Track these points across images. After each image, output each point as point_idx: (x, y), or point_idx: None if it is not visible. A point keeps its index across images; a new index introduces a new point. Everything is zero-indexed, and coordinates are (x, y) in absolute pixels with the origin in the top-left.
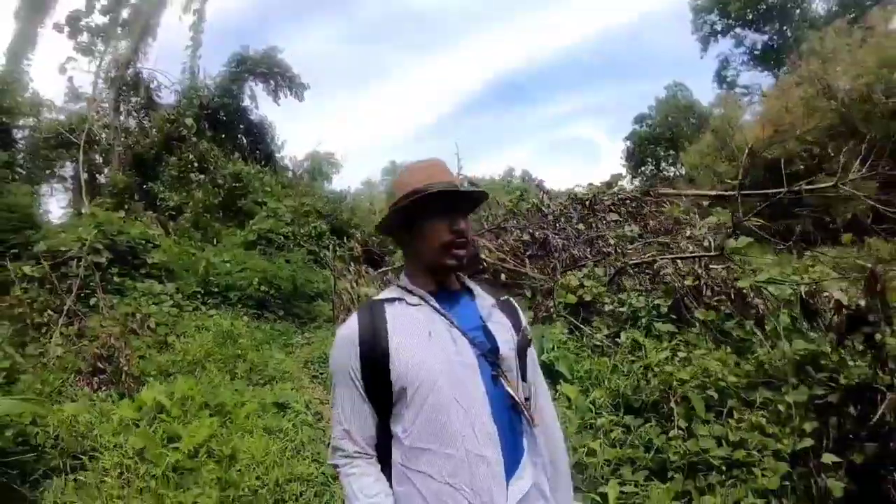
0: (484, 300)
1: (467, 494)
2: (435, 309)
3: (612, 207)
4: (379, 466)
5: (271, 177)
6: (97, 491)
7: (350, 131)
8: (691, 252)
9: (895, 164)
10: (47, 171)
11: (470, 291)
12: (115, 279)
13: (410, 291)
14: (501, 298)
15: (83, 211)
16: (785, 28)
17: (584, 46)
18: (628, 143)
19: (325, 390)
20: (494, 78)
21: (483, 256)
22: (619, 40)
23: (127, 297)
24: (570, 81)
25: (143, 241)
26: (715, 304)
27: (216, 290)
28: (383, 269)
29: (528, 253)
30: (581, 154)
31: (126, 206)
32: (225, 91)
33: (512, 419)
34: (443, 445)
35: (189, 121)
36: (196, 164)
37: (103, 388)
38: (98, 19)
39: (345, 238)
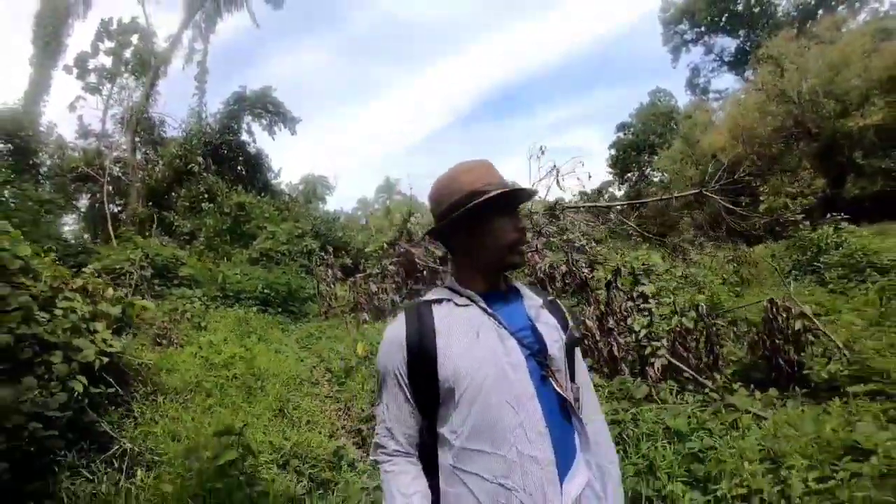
0: (532, 300)
1: (521, 495)
2: (483, 309)
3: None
4: (419, 466)
5: (269, 204)
6: (183, 407)
7: (343, 149)
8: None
9: (846, 160)
10: (69, 203)
11: (517, 292)
12: (157, 287)
13: (458, 292)
14: (548, 299)
15: (112, 238)
16: (752, 33)
17: (576, 55)
18: (612, 150)
19: (302, 349)
20: (485, 90)
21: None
22: (610, 48)
23: (167, 300)
24: (561, 91)
25: (174, 260)
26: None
27: (231, 293)
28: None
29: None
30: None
31: (147, 234)
32: (225, 128)
33: (563, 419)
34: (494, 446)
35: (199, 159)
36: (206, 196)
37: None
38: (103, 59)
39: (333, 252)
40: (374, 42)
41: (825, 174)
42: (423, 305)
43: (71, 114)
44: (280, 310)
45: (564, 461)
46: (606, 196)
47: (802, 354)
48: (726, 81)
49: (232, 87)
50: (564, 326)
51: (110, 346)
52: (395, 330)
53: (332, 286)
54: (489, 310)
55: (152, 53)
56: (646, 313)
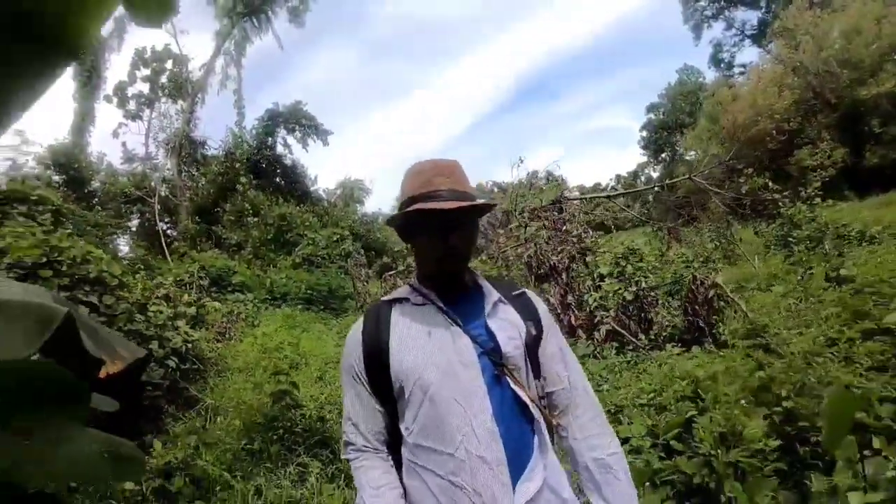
0: (490, 297)
1: (470, 493)
2: (439, 308)
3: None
4: (390, 461)
5: (309, 212)
6: (244, 379)
7: (379, 149)
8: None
9: (865, 129)
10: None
11: (479, 288)
12: (213, 294)
13: (417, 291)
14: (515, 292)
15: (166, 253)
16: (772, 3)
17: (602, 37)
18: (643, 132)
19: (341, 337)
20: (514, 81)
21: None
22: (638, 26)
23: (224, 304)
24: (590, 74)
25: (226, 269)
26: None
27: (278, 295)
28: (391, 272)
29: None
30: (613, 142)
31: (199, 248)
32: (262, 143)
33: (521, 419)
34: (442, 444)
35: (243, 179)
36: (250, 210)
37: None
38: (141, 86)
39: (373, 252)
40: (398, 41)
41: (845, 144)
42: (382, 305)
43: (114, 140)
44: (322, 307)
45: (519, 461)
46: (643, 178)
47: (715, 318)
48: (751, 55)
49: (262, 98)
50: (534, 320)
51: (190, 336)
52: (354, 330)
53: (367, 284)
54: (444, 308)
55: (188, 80)
56: (599, 290)
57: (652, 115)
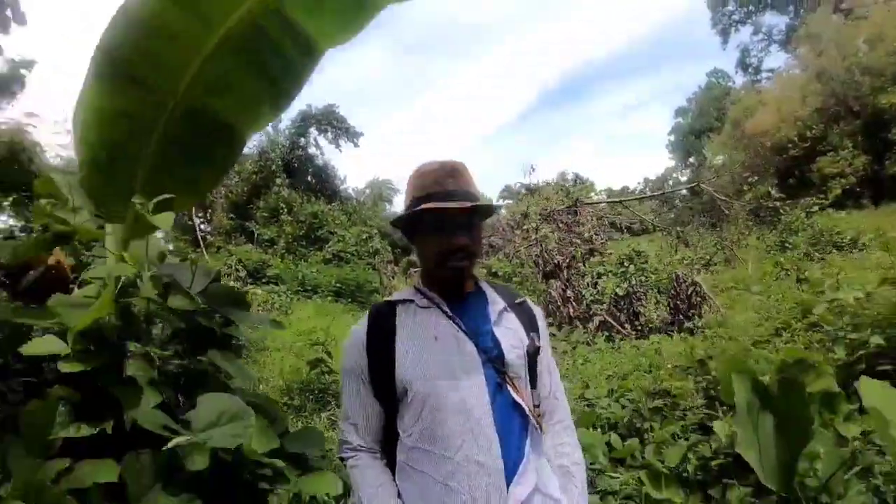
0: (496, 304)
1: (465, 498)
2: (444, 312)
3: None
4: (384, 461)
5: (340, 211)
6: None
7: (408, 148)
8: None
9: (886, 138)
10: None
11: (483, 294)
12: (250, 285)
13: (422, 293)
14: (517, 301)
15: (202, 247)
16: (800, 7)
17: (637, 40)
18: (671, 136)
19: None
20: (547, 81)
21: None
22: (670, 30)
23: (259, 294)
24: (624, 76)
25: (261, 263)
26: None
27: (309, 287)
28: (416, 269)
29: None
30: (645, 144)
31: (233, 242)
32: (294, 144)
33: (518, 426)
34: (442, 448)
35: (278, 179)
36: (284, 208)
37: None
38: None
39: (400, 250)
40: (430, 41)
41: (867, 152)
42: (386, 306)
43: None
44: (350, 300)
45: (514, 466)
46: (671, 182)
47: (692, 311)
48: (778, 59)
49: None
50: (533, 330)
51: None
52: (357, 329)
53: (392, 280)
54: (449, 313)
55: None
56: (596, 286)
57: (680, 119)
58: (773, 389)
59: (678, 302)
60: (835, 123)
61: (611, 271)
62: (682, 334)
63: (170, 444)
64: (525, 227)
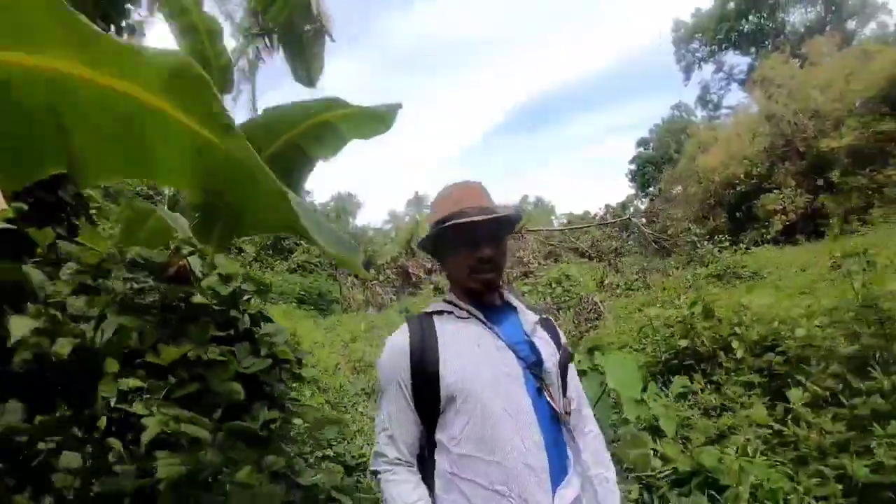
0: (527, 316)
1: (516, 502)
2: (482, 322)
3: None
4: (419, 476)
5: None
6: None
7: (376, 164)
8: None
9: (826, 179)
10: None
11: (512, 307)
12: None
13: (458, 306)
14: (542, 317)
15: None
16: (761, 49)
17: (611, 68)
18: (631, 165)
19: (327, 330)
20: (518, 104)
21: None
22: (643, 59)
23: None
24: (595, 102)
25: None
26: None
27: (276, 294)
28: (374, 281)
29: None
30: (610, 171)
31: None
32: None
33: (555, 431)
34: (491, 454)
35: None
36: None
37: None
38: None
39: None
40: (406, 57)
41: (809, 191)
42: (424, 317)
43: None
44: (312, 307)
45: (557, 471)
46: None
47: (589, 325)
48: (738, 97)
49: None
50: (557, 344)
51: None
52: (399, 339)
53: (352, 290)
54: (487, 323)
55: None
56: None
57: (642, 149)
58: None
59: (581, 318)
60: (781, 163)
61: (539, 290)
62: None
63: None
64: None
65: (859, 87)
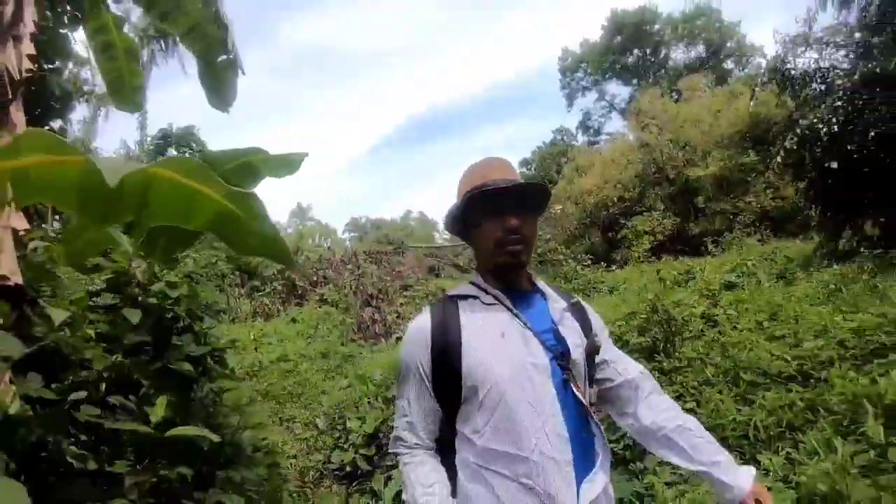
0: (556, 302)
1: (541, 495)
2: (509, 309)
3: (370, 257)
4: (438, 459)
5: None
6: None
7: None
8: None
9: (693, 204)
10: None
11: (541, 292)
12: None
13: (485, 290)
14: (572, 301)
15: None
16: (642, 81)
17: (500, 87)
18: None
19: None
20: (407, 118)
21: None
22: (535, 81)
23: None
24: (483, 119)
25: None
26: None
27: None
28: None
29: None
30: None
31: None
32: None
33: (581, 423)
34: (516, 447)
35: None
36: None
37: None
38: None
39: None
40: (300, 64)
41: (677, 214)
42: (448, 301)
43: None
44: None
45: (583, 464)
46: None
47: None
48: (618, 125)
49: (163, 113)
50: (586, 331)
51: None
52: (420, 324)
53: (238, 300)
54: (514, 310)
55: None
56: (398, 314)
57: (524, 170)
58: None
59: None
60: (652, 188)
61: (416, 303)
62: None
63: None
64: (350, 264)
65: (725, 123)
